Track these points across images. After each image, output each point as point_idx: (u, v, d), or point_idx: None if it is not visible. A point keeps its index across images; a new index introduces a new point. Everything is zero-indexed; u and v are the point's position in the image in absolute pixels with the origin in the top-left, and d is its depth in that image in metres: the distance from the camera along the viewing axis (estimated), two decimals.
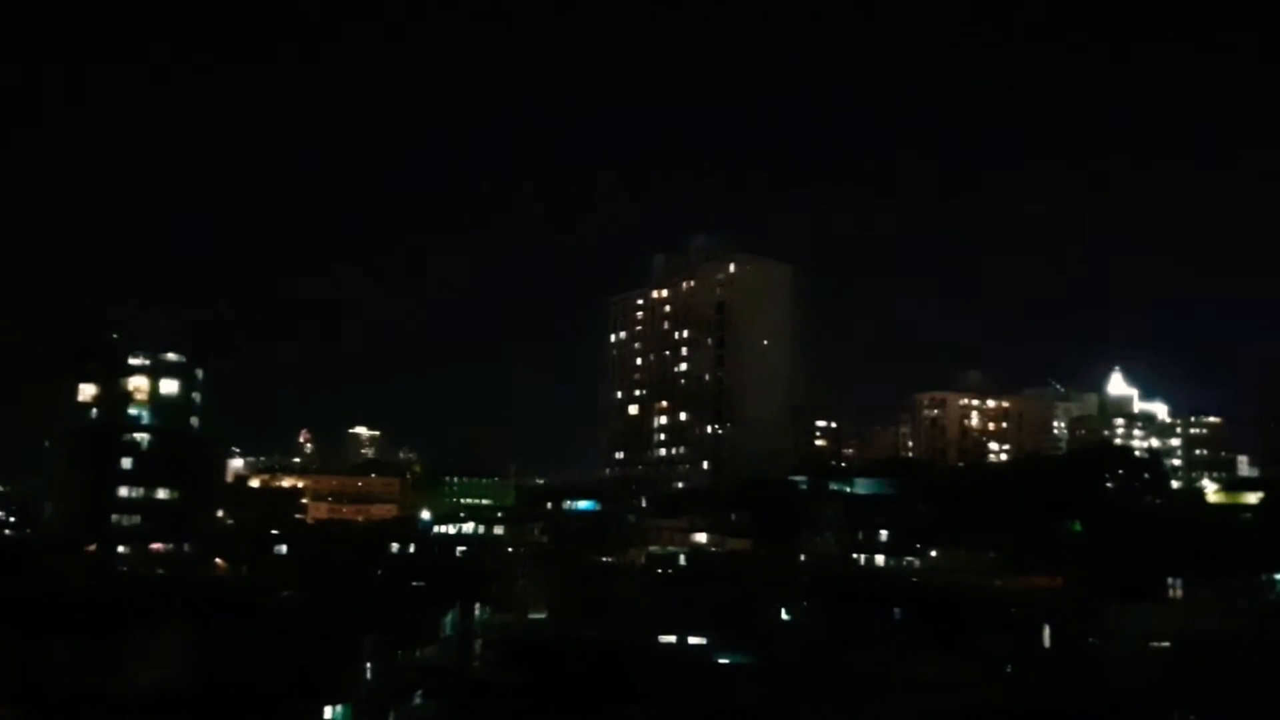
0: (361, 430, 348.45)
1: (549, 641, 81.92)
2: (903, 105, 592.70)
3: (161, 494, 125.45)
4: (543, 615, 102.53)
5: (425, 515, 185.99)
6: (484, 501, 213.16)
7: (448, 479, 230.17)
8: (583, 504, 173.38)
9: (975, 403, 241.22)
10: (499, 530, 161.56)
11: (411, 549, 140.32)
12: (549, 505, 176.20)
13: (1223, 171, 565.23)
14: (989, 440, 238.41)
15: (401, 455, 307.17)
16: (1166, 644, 70.41)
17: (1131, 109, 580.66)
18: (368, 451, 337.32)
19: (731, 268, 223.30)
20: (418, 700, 67.68)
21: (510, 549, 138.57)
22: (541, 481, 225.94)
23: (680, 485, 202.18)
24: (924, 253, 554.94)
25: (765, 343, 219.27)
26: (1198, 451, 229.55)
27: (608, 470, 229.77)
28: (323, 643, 58.40)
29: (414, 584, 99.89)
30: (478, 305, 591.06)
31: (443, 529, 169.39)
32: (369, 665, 63.31)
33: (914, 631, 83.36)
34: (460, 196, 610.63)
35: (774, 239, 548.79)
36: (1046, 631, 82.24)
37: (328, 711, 58.12)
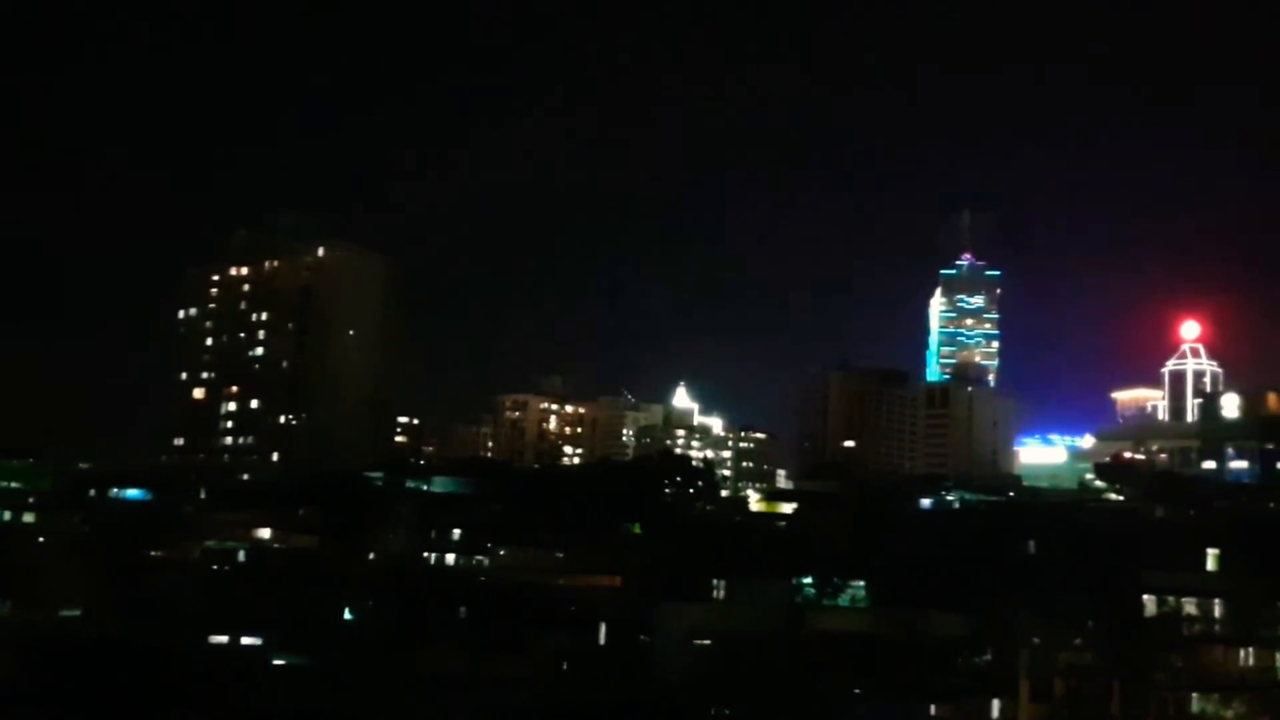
0: None
1: (80, 642, 74.66)
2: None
3: None
4: (76, 613, 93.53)
5: None
6: (13, 485, 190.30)
7: None
8: (133, 493, 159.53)
9: (554, 407, 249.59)
10: (29, 518, 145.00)
11: None
12: (93, 492, 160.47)
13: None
14: (564, 444, 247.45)
15: None
16: (708, 641, 76.22)
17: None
18: None
19: (321, 251, 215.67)
20: None
21: (42, 539, 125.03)
22: (86, 466, 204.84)
23: (247, 477, 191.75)
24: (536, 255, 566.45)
25: (352, 333, 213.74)
26: (745, 464, 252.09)
27: (164, 457, 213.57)
28: None
29: None
30: (33, 264, 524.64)
31: None
32: None
33: (477, 630, 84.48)
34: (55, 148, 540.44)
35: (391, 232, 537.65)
36: (603, 629, 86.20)
37: None
